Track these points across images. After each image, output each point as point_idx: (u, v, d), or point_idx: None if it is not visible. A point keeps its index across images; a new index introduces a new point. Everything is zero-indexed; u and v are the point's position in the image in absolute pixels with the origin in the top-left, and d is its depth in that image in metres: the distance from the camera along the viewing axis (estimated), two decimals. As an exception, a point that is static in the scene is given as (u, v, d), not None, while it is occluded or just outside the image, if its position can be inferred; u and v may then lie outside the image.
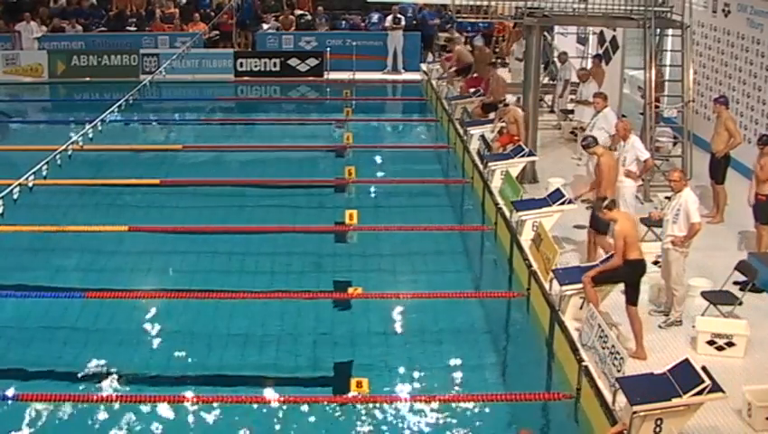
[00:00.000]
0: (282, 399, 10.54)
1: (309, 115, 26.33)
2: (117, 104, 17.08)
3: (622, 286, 11.94)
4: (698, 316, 11.08)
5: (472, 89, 22.24)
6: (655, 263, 12.55)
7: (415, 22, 30.03)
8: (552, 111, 21.42)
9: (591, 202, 13.48)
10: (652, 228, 13.32)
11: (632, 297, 10.85)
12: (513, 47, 24.50)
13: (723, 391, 8.92)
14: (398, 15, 28.40)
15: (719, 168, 14.78)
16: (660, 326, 11.36)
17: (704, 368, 9.04)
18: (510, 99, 19.67)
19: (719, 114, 14.85)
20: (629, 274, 10.86)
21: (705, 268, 12.49)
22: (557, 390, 10.81)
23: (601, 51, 20.73)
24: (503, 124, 18.14)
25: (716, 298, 11.37)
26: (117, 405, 10.46)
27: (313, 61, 28.61)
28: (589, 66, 20.60)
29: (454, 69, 24.22)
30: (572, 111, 20.01)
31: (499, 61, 25.62)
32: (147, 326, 12.69)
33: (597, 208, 11.60)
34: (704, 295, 11.52)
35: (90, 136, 15.70)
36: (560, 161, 17.63)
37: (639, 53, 17.83)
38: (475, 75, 23.09)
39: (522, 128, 17.29)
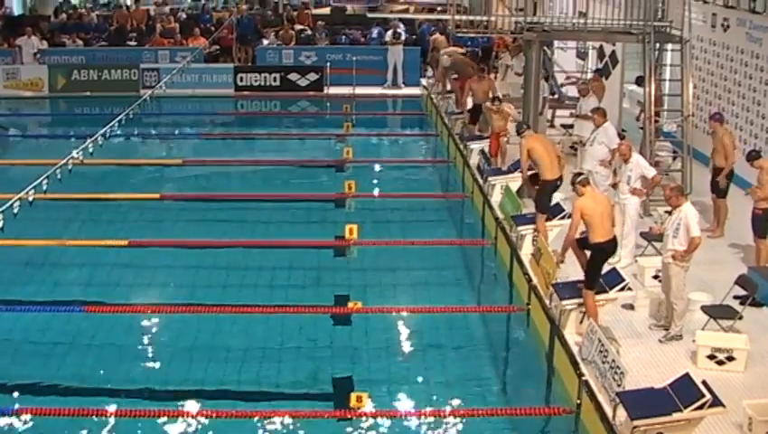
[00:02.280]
0: (282, 413, 10.51)
1: (309, 129, 26.35)
2: (118, 118, 17.07)
3: (622, 301, 12.02)
4: (699, 331, 11.06)
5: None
6: (655, 277, 12.58)
7: (414, 36, 30.08)
8: (552, 126, 21.41)
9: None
10: (653, 242, 13.33)
11: (587, 281, 11.26)
12: (512, 61, 24.48)
13: (723, 406, 8.92)
14: (398, 30, 28.44)
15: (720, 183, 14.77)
16: (660, 341, 11.35)
17: (704, 382, 9.04)
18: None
19: (715, 131, 14.88)
20: (591, 255, 11.32)
21: (705, 282, 12.48)
22: (557, 404, 10.78)
23: (600, 66, 20.76)
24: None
25: (717, 313, 11.36)
26: (116, 419, 10.42)
27: (313, 76, 28.59)
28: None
29: (444, 76, 24.25)
30: (572, 126, 20.01)
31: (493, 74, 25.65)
32: (147, 341, 12.68)
33: (573, 182, 11.84)
34: (704, 309, 11.51)
35: (91, 150, 15.70)
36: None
37: (638, 68, 17.86)
38: (455, 77, 23.10)
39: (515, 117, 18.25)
